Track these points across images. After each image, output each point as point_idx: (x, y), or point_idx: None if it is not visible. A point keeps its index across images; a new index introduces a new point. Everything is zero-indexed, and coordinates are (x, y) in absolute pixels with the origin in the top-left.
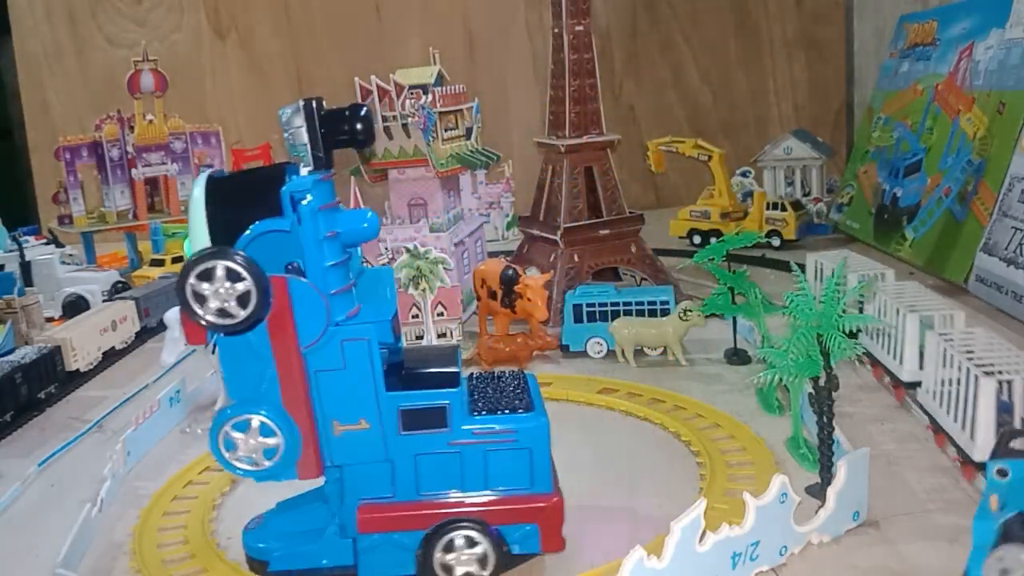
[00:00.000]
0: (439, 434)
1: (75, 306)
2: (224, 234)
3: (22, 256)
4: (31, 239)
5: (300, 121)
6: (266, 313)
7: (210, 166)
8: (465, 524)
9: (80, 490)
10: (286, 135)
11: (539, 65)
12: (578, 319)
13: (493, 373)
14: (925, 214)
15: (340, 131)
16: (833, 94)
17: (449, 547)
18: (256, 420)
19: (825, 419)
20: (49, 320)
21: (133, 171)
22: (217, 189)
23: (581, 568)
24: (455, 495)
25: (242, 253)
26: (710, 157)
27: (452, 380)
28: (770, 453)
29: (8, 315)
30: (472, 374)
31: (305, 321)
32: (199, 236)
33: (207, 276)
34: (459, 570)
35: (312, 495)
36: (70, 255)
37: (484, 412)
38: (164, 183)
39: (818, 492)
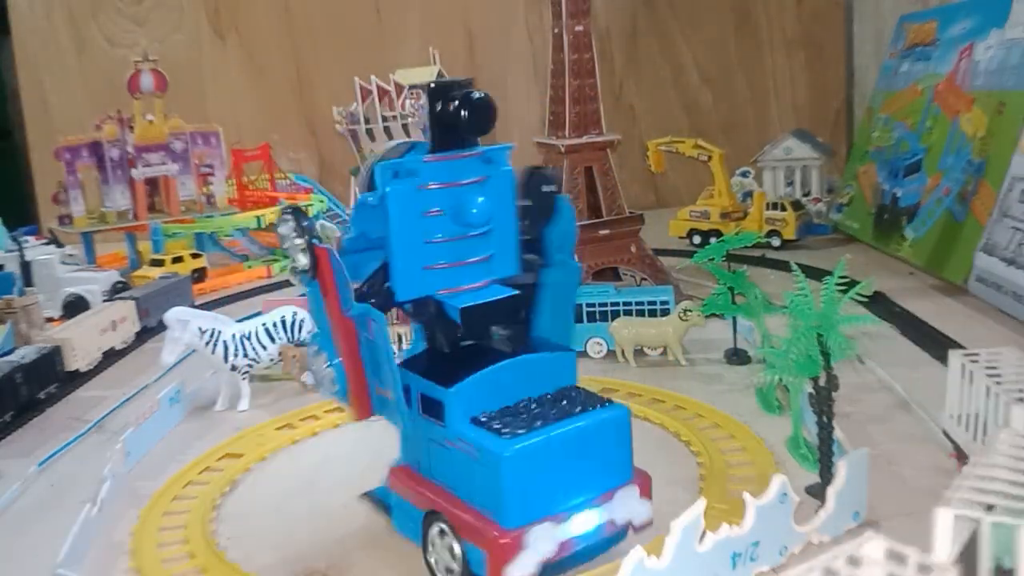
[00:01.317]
0: (440, 428)
1: (75, 306)
2: None
3: (22, 256)
4: (31, 239)
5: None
6: (313, 274)
7: (210, 166)
8: (443, 519)
9: (80, 490)
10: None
11: (539, 65)
12: (578, 319)
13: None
14: (925, 214)
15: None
16: (833, 94)
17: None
18: (315, 346)
19: (825, 419)
20: (49, 320)
21: (133, 171)
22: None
23: (581, 568)
24: (448, 488)
25: (307, 218)
26: (710, 157)
27: (456, 378)
28: (770, 453)
29: (8, 315)
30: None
31: (343, 291)
32: None
33: (283, 223)
34: (433, 557)
35: None
36: (70, 255)
37: (481, 422)
38: (164, 183)
39: (818, 492)
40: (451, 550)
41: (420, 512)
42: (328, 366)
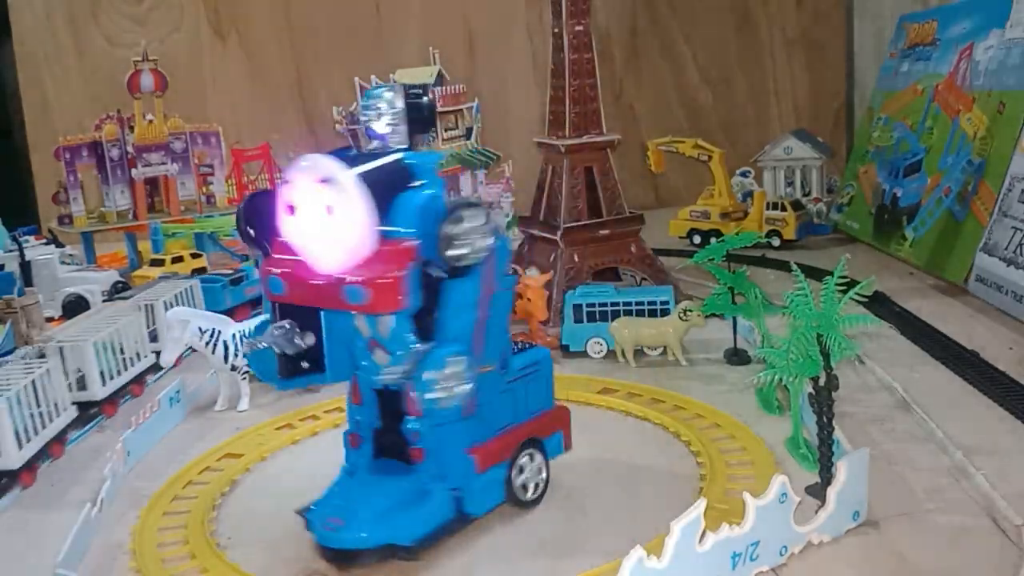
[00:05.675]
0: (502, 375)
1: (75, 306)
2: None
3: (22, 256)
4: (31, 239)
5: (399, 102)
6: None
7: (210, 166)
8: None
9: (80, 490)
10: (377, 113)
11: (539, 65)
12: (578, 319)
13: None
14: (925, 214)
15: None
16: (833, 94)
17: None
18: (459, 360)
19: (825, 419)
20: (49, 320)
21: (133, 171)
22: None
23: (581, 568)
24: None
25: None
26: (710, 157)
27: None
28: (770, 453)
29: (8, 315)
30: None
31: (500, 267)
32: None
33: (463, 221)
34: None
35: (356, 481)
36: (70, 255)
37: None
38: (164, 183)
39: (818, 492)
40: (532, 459)
41: (507, 461)
42: (463, 374)
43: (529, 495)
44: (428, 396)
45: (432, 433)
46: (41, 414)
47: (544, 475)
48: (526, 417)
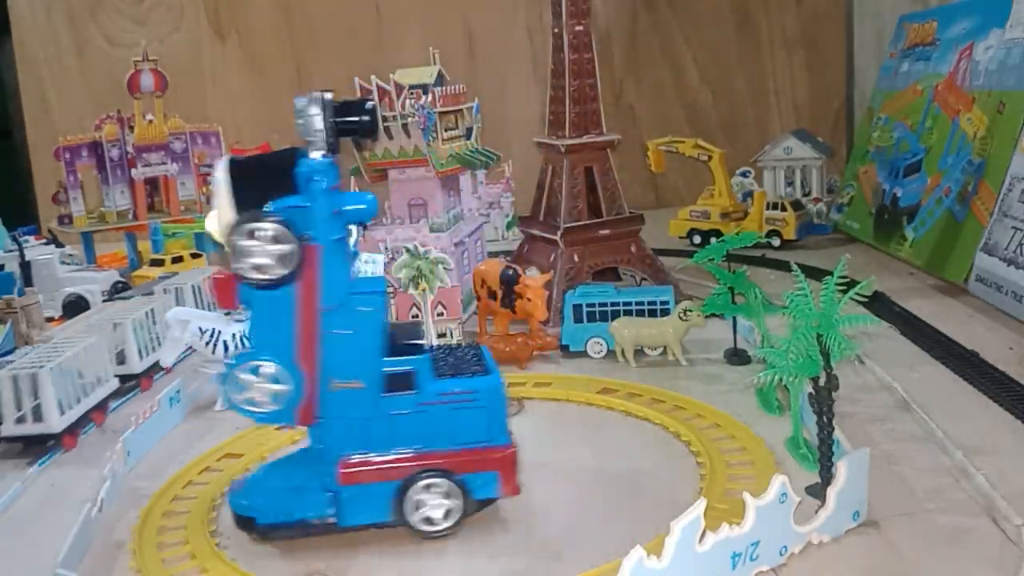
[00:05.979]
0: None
1: (75, 306)
2: (247, 208)
3: (22, 256)
4: (31, 239)
5: (316, 110)
6: (297, 275)
7: (210, 166)
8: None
9: (80, 490)
10: (299, 122)
11: (539, 65)
12: (578, 319)
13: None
14: (925, 214)
15: (350, 121)
16: (833, 94)
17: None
18: (270, 367)
19: (825, 419)
20: (49, 320)
21: (133, 171)
22: (239, 170)
23: (581, 568)
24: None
25: (283, 220)
26: (710, 157)
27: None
28: (770, 453)
29: (8, 315)
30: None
31: (329, 285)
32: (224, 211)
33: (253, 235)
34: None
35: (294, 458)
36: (70, 255)
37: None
38: (164, 183)
39: (818, 492)
40: (446, 496)
41: (394, 483)
42: (276, 382)
43: (417, 523)
44: (229, 395)
45: (311, 432)
46: (83, 385)
47: (450, 521)
48: (446, 446)
